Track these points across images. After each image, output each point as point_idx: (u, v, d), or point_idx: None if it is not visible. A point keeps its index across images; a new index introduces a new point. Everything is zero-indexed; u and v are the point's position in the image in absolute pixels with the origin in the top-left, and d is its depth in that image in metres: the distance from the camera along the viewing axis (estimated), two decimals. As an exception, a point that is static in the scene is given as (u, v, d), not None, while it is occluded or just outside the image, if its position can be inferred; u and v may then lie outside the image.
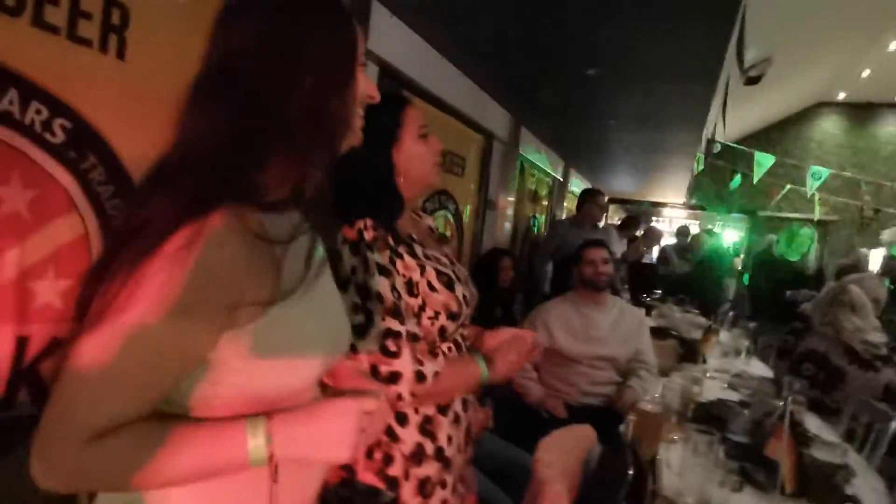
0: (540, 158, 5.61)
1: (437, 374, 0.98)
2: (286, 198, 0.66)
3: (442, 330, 1.05)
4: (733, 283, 5.13)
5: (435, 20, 2.87)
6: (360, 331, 0.92)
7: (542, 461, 1.20)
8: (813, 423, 1.93)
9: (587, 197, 4.24)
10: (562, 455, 1.25)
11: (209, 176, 0.59)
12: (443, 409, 1.06)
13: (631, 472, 1.17)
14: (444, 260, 1.12)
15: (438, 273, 1.05)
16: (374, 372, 0.93)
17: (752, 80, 5.72)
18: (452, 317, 1.05)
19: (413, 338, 0.97)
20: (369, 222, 0.99)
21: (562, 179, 6.86)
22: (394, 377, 0.94)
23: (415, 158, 1.08)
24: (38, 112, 1.10)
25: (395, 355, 0.94)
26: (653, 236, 6.32)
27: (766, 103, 8.86)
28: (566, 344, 2.33)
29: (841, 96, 10.38)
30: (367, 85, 0.73)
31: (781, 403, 1.72)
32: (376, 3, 2.57)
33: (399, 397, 0.94)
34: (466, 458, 1.14)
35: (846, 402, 2.22)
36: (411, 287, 1.01)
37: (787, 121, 10.79)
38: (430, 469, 1.03)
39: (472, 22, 2.86)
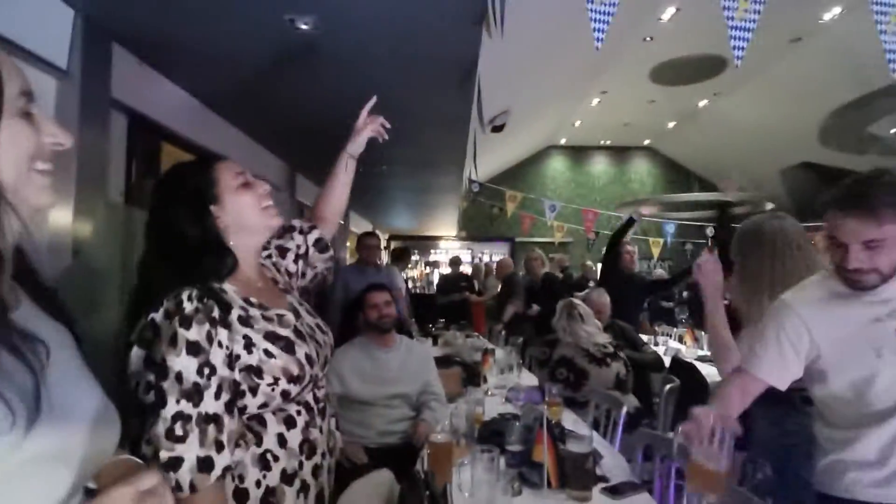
0: (318, 203, 5.64)
1: (228, 468, 0.92)
2: None
3: (285, 394, 1.01)
4: (514, 305, 5.67)
5: (191, 69, 2.72)
6: (151, 410, 0.88)
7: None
8: (569, 419, 2.30)
9: (360, 240, 4.38)
10: (364, 504, 1.27)
11: None
12: (288, 479, 1.01)
13: (426, 504, 1.25)
14: (289, 316, 1.09)
15: (276, 337, 1.02)
16: (155, 456, 0.86)
17: (497, 129, 6.71)
18: (294, 380, 1.02)
19: (210, 419, 0.90)
20: (194, 293, 0.93)
21: (342, 221, 6.97)
22: (174, 463, 0.86)
23: (241, 209, 1.07)
24: None
25: (181, 440, 0.87)
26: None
27: (512, 147, 10.49)
28: (360, 389, 2.37)
29: (563, 141, 12.87)
30: (47, 129, 0.63)
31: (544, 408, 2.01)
32: (118, 46, 2.32)
33: (177, 486, 0.86)
34: None
35: (591, 395, 2.70)
36: (231, 360, 0.96)
37: (527, 161, 12.96)
38: None
39: (232, 75, 2.80)
